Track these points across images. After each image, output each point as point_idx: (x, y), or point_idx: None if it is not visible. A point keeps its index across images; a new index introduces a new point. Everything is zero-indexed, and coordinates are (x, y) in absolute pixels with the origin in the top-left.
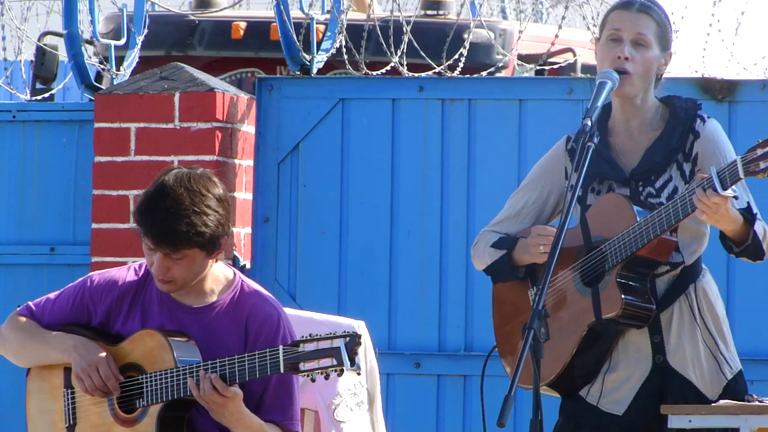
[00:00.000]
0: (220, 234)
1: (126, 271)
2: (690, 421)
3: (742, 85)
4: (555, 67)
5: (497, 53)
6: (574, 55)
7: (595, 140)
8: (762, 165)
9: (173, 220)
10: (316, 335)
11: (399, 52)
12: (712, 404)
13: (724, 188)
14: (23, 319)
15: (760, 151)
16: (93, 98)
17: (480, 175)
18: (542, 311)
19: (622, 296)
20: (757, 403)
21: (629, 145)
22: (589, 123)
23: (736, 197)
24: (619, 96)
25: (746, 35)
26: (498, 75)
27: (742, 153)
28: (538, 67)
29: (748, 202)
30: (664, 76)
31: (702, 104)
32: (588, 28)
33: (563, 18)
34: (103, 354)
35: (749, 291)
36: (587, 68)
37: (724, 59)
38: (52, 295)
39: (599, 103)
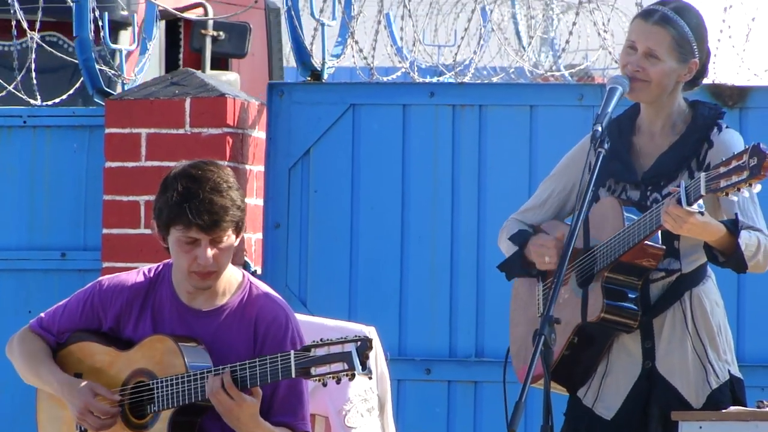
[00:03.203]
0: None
1: (135, 275)
2: (701, 427)
3: (752, 91)
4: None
5: (122, 9)
6: (205, 12)
7: (606, 146)
8: (723, 183)
9: (218, 197)
10: (327, 340)
11: None
12: (723, 410)
13: (689, 203)
14: (31, 337)
15: (723, 169)
16: (104, 103)
17: (491, 181)
18: (552, 317)
19: (605, 300)
20: (767, 409)
21: (650, 146)
22: (600, 129)
23: (701, 213)
24: (634, 101)
25: (757, 41)
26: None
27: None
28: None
29: (736, 214)
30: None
31: (725, 112)
32: (599, 34)
33: (574, 24)
34: (89, 393)
35: (760, 298)
36: (219, 25)
37: (734, 65)
38: (62, 302)
39: (609, 109)
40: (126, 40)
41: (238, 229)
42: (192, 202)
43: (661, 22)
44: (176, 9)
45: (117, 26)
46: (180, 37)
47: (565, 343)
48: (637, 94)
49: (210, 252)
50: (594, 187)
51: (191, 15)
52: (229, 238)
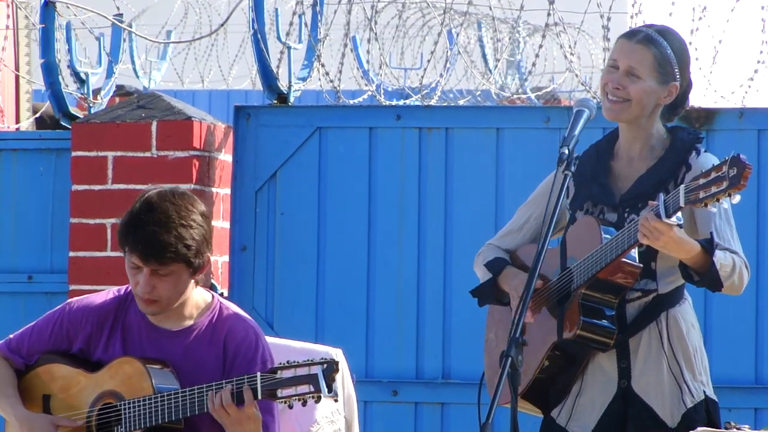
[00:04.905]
0: (205, 250)
1: (105, 296)
2: None
3: (719, 113)
4: None
5: None
6: None
7: (573, 168)
8: (702, 194)
9: (162, 232)
10: (294, 362)
11: None
12: (691, 431)
13: (668, 215)
14: None
15: (702, 181)
16: (70, 127)
17: (457, 203)
18: (520, 339)
19: (581, 317)
20: (735, 430)
21: (628, 170)
22: (567, 151)
23: (680, 225)
24: (612, 121)
25: (723, 64)
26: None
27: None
28: None
29: (711, 233)
30: None
31: (704, 137)
32: (565, 57)
33: (540, 47)
34: (51, 429)
35: (726, 320)
36: None
37: (701, 87)
38: (31, 324)
39: (576, 132)
40: None
41: (189, 264)
42: (137, 230)
43: (645, 42)
44: None
45: None
46: None
47: (540, 362)
48: (617, 113)
49: (150, 281)
50: (571, 210)
51: None
52: (174, 273)
